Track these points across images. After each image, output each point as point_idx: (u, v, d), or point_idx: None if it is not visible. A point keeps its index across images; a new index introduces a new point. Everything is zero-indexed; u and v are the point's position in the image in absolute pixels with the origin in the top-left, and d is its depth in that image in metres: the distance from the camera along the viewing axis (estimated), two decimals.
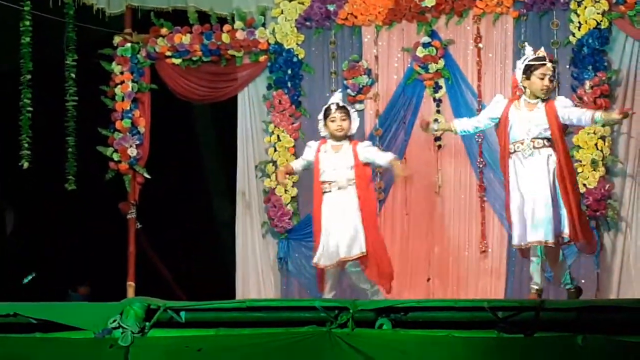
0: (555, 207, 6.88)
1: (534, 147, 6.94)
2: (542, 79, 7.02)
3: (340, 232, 7.34)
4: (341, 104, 7.62)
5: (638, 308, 5.56)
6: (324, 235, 7.41)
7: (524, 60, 7.14)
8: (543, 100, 7.02)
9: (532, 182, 6.90)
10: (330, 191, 7.45)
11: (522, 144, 6.98)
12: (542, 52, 7.21)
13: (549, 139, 6.96)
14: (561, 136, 7.00)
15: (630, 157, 8.31)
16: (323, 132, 7.63)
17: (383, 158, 7.60)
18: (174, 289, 8.98)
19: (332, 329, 5.65)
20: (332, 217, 7.40)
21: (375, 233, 7.48)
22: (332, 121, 7.52)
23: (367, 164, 7.52)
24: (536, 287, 7.01)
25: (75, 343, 5.90)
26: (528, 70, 7.06)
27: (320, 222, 7.45)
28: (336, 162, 7.47)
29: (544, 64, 7.07)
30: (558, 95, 8.33)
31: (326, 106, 7.61)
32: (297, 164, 7.79)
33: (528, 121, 6.98)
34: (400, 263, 8.61)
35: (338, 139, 7.54)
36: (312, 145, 7.69)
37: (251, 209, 9.04)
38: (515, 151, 7.01)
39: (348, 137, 7.58)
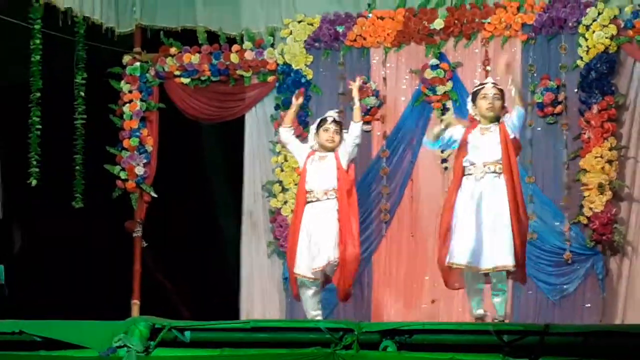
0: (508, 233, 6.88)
1: (487, 172, 6.93)
2: (484, 98, 7.09)
3: (320, 243, 7.28)
4: (337, 119, 7.59)
5: None
6: (304, 245, 7.31)
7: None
8: (497, 124, 7.01)
9: (489, 207, 6.87)
10: (313, 201, 7.38)
11: (474, 166, 6.98)
12: (489, 79, 7.34)
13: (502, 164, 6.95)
14: (510, 158, 6.94)
15: (637, 182, 8.31)
16: (312, 142, 7.54)
17: (353, 129, 7.53)
18: (179, 308, 8.99)
19: (336, 351, 5.65)
20: (314, 228, 7.33)
21: (353, 242, 7.34)
22: (325, 131, 7.45)
23: (347, 171, 7.43)
24: (501, 317, 6.99)
25: None
26: (474, 97, 7.17)
27: (299, 231, 7.36)
28: (321, 171, 7.42)
29: (484, 86, 7.16)
30: (566, 118, 8.38)
31: (322, 117, 7.57)
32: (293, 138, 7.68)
33: (480, 145, 7.01)
34: (406, 284, 8.62)
35: (326, 149, 7.49)
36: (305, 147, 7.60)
37: (257, 228, 9.05)
38: (468, 174, 7.01)
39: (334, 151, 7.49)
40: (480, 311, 7.02)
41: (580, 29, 8.39)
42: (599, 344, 5.49)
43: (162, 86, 9.36)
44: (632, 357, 5.39)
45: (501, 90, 7.11)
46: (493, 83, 7.19)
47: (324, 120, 7.53)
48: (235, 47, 9.17)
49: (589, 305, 8.18)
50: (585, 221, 8.24)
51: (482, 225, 6.84)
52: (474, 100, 7.18)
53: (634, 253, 8.25)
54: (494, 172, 6.95)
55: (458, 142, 7.14)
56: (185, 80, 9.25)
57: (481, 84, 7.26)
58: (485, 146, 6.99)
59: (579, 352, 5.43)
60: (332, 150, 7.49)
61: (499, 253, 6.83)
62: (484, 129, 7.05)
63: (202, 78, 9.22)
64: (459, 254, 6.86)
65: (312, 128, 7.63)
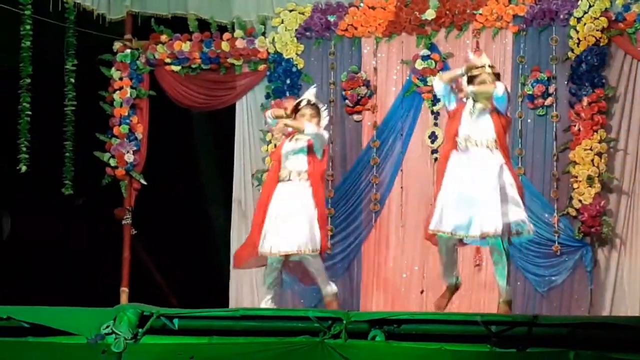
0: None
1: (477, 146, 6.82)
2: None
3: (296, 224, 7.08)
4: (313, 100, 7.36)
5: (630, 325, 5.58)
6: (273, 223, 7.12)
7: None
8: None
9: (481, 180, 6.77)
10: (285, 180, 7.21)
11: (466, 140, 6.84)
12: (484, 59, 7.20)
13: (495, 140, 6.88)
14: (501, 136, 6.90)
15: (626, 174, 8.33)
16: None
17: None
18: (168, 296, 8.99)
19: (325, 340, 5.65)
20: (286, 208, 7.13)
21: (325, 233, 7.30)
22: (302, 116, 7.24)
23: (322, 160, 7.30)
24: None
25: (67, 348, 5.90)
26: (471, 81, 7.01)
27: (267, 209, 7.16)
28: (294, 151, 7.24)
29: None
30: (556, 110, 8.40)
31: (297, 101, 7.39)
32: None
33: (474, 122, 6.87)
34: (395, 274, 8.63)
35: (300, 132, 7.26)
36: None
37: (247, 217, 9.03)
38: (459, 147, 6.87)
39: None
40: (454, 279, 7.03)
41: (572, 21, 8.39)
42: (586, 335, 5.51)
43: (153, 74, 9.34)
44: (619, 349, 5.41)
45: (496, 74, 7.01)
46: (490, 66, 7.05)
47: (299, 104, 7.29)
48: (226, 35, 9.15)
49: (577, 297, 8.21)
50: (574, 213, 8.26)
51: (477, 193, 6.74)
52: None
53: (622, 245, 8.28)
54: (487, 146, 6.83)
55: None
56: (176, 68, 9.23)
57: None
58: (478, 124, 6.85)
59: (567, 343, 5.44)
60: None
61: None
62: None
63: (193, 66, 9.20)
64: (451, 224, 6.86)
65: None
